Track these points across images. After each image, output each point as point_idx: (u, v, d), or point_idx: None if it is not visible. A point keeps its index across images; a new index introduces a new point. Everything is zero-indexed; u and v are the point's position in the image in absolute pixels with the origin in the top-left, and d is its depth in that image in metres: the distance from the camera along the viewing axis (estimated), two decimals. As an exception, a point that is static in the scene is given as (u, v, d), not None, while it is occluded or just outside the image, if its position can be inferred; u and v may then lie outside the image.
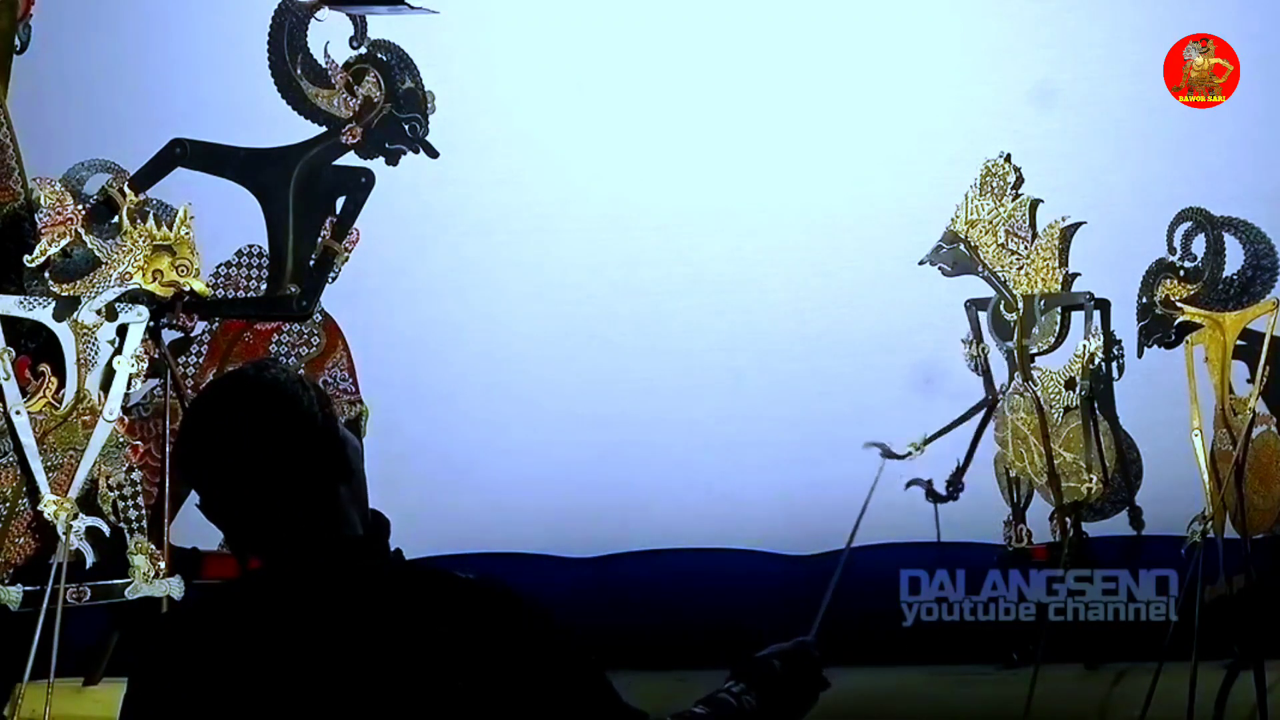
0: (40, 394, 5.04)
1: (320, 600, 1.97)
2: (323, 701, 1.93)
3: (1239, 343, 5.41)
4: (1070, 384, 5.58)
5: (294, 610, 1.97)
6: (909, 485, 5.56)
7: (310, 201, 5.55)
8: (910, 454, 5.56)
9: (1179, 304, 5.49)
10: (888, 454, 5.56)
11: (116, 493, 5.05)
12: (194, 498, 2.04)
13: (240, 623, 1.98)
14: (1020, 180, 5.70)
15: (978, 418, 5.69)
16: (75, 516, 4.97)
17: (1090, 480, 5.53)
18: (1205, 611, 5.14)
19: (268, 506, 2.00)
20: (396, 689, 1.94)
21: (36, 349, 5.10)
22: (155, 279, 5.12)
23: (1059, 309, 5.64)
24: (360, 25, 5.60)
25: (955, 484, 5.64)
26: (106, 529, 5.03)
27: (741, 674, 2.18)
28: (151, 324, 5.11)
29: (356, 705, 1.93)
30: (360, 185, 5.56)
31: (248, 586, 2.06)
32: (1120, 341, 5.62)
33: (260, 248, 5.59)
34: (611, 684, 2.01)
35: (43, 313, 5.04)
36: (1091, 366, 5.53)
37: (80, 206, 5.16)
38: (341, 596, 1.97)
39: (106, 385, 5.06)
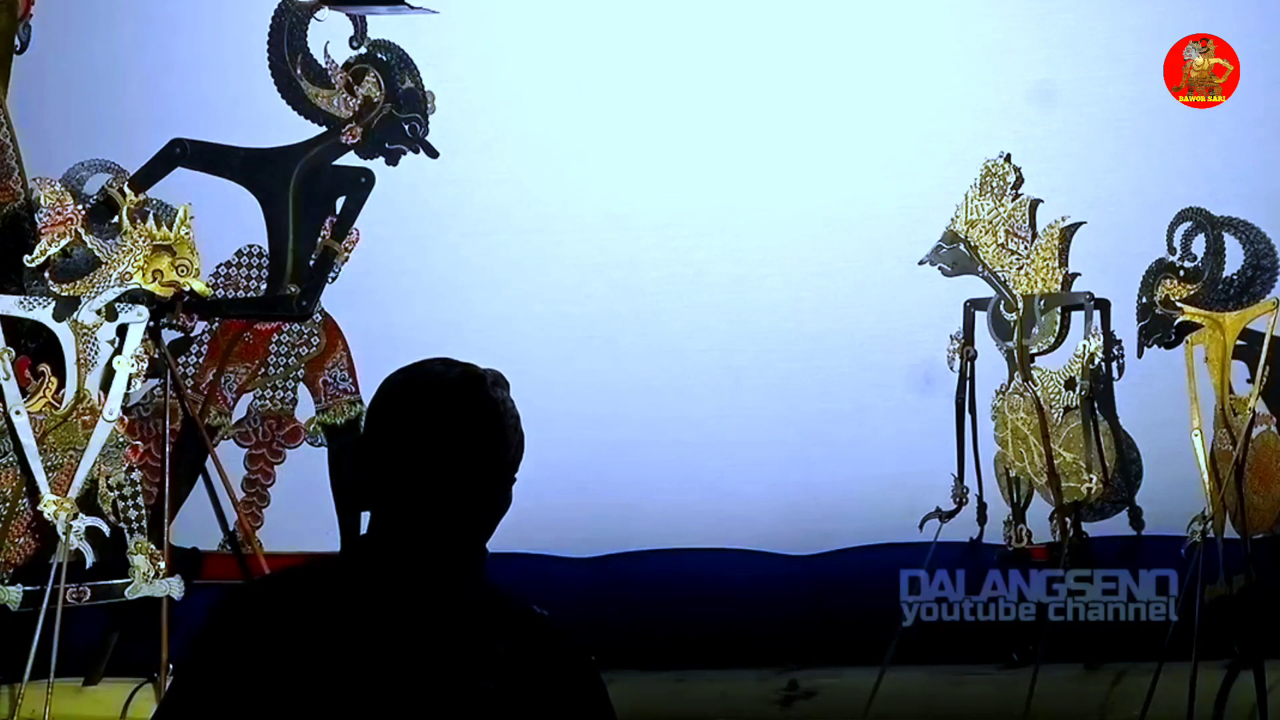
0: (40, 394, 5.05)
1: (406, 604, 2.01)
2: (371, 690, 1.96)
3: (1239, 343, 5.41)
4: (1070, 384, 5.58)
5: (377, 610, 2.01)
6: (923, 523, 5.58)
7: (310, 201, 5.56)
8: (960, 506, 5.60)
9: (1179, 304, 5.50)
10: (943, 516, 5.59)
11: (116, 493, 5.06)
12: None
13: (320, 609, 2.02)
14: (1020, 180, 5.70)
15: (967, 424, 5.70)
16: (75, 516, 4.98)
17: (1090, 480, 5.53)
18: (1205, 611, 5.14)
19: (414, 495, 2.02)
20: (440, 691, 1.96)
21: (36, 349, 5.11)
22: (155, 279, 5.12)
23: (1059, 309, 5.64)
24: (360, 25, 5.61)
25: (959, 495, 5.64)
26: (106, 529, 5.04)
27: None
28: (151, 324, 5.11)
29: (399, 698, 1.95)
30: (360, 185, 5.57)
31: (334, 573, 2.07)
32: (1120, 341, 5.62)
33: (260, 248, 5.60)
34: None
35: (43, 313, 5.05)
36: (1091, 366, 5.53)
37: (80, 206, 5.17)
38: (426, 605, 2.01)
39: (106, 385, 5.07)
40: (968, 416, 5.68)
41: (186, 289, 5.15)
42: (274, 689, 1.96)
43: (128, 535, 5.05)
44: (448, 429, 2.03)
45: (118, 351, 5.07)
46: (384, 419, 2.06)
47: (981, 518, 5.64)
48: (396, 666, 1.97)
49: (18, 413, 4.99)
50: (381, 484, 2.04)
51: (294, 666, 1.97)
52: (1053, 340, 5.66)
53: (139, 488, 5.08)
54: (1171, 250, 5.55)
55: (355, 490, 2.10)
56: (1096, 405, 5.56)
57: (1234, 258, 5.53)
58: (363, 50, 5.61)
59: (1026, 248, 5.67)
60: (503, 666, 1.99)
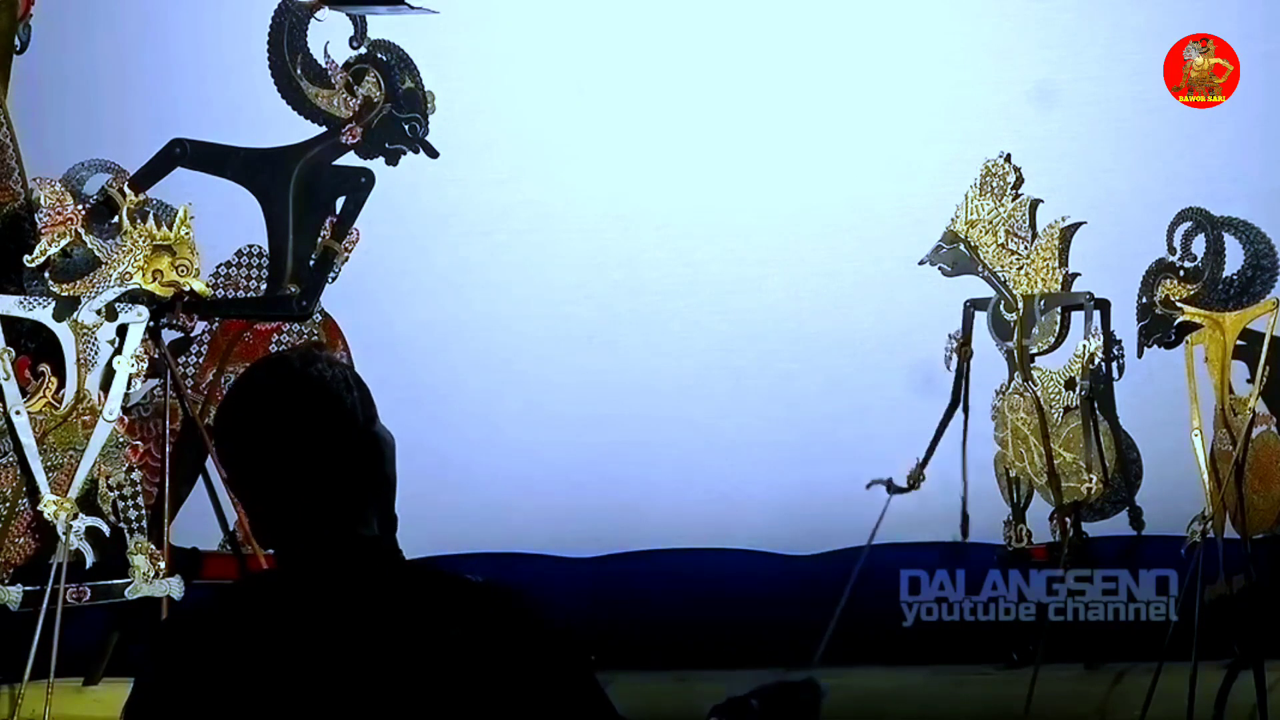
0: (40, 394, 5.04)
1: (332, 600, 1.98)
2: (332, 701, 1.94)
3: (1239, 343, 5.41)
4: (1070, 384, 5.58)
5: (305, 610, 1.98)
6: (870, 485, 5.57)
7: (310, 201, 5.55)
8: (912, 488, 5.60)
9: (1179, 304, 5.49)
10: (892, 489, 5.59)
11: (116, 493, 5.05)
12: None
13: (251, 622, 1.99)
14: (1020, 180, 5.69)
15: (954, 421, 5.70)
16: (75, 516, 4.97)
17: (1090, 480, 5.53)
18: (1205, 611, 5.15)
19: (290, 498, 2.00)
20: (404, 689, 1.94)
21: (36, 349, 5.10)
22: (155, 279, 5.12)
23: (1059, 309, 5.64)
24: (360, 25, 5.60)
25: (915, 477, 5.64)
26: (106, 529, 5.03)
27: (719, 711, 2.17)
28: (151, 324, 5.11)
29: (365, 705, 1.94)
30: (360, 185, 5.56)
31: (258, 585, 2.06)
32: (1120, 341, 5.61)
33: (260, 248, 5.59)
34: (604, 692, 2.03)
35: (43, 313, 5.04)
36: (1091, 366, 5.53)
37: (80, 206, 5.16)
38: (353, 596, 1.98)
39: (106, 385, 5.06)
40: (959, 414, 5.67)
41: (186, 289, 5.15)
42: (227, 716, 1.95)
43: (128, 535, 5.05)
44: (268, 418, 2.00)
45: (118, 351, 5.06)
46: (224, 446, 2.05)
47: (964, 528, 5.64)
48: (345, 665, 1.94)
49: (18, 413, 4.98)
50: (260, 505, 2.03)
51: (242, 692, 1.95)
52: (1053, 340, 5.66)
53: (139, 488, 5.07)
54: (1171, 250, 5.55)
55: (252, 528, 2.07)
56: (1096, 405, 5.56)
57: (1234, 258, 5.53)
58: (363, 50, 5.59)
59: (1026, 248, 5.67)
60: (464, 651, 1.96)
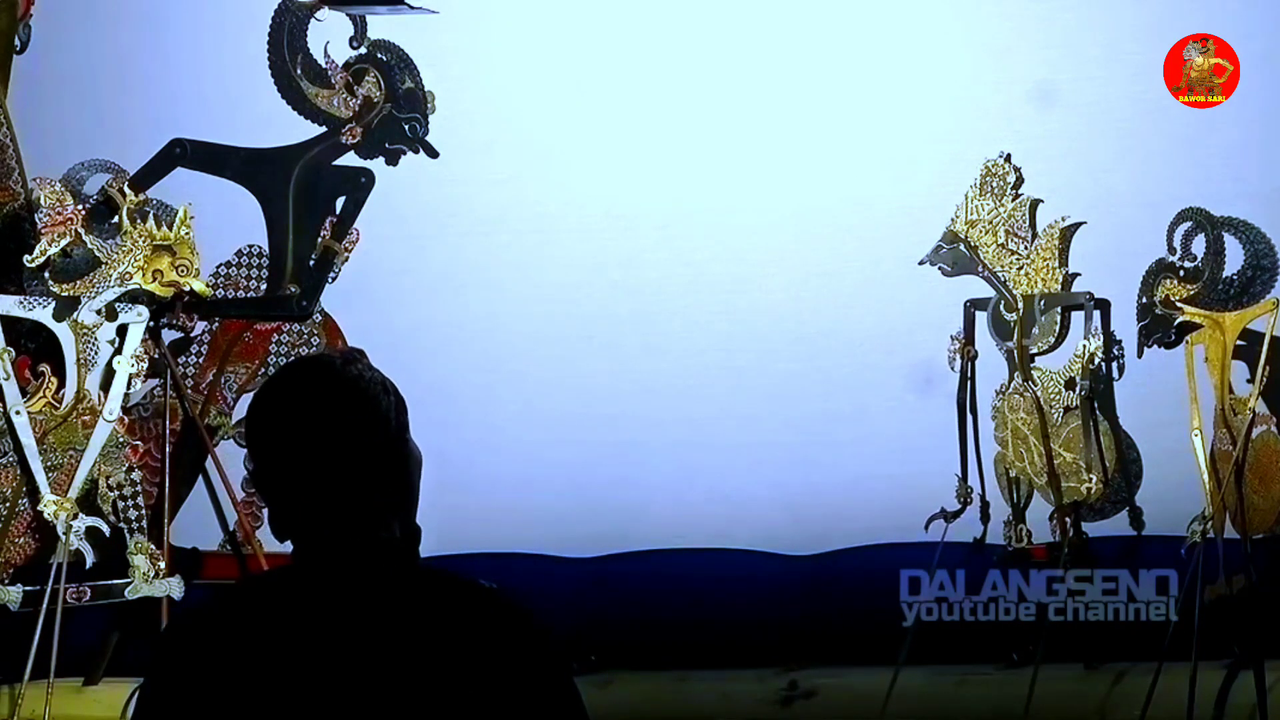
0: (40, 394, 5.05)
1: (343, 600, 1.99)
2: (341, 701, 1.94)
3: (1239, 343, 5.41)
4: (1070, 384, 5.58)
5: (316, 609, 1.99)
6: (928, 525, 5.58)
7: (310, 201, 5.55)
8: (964, 506, 5.61)
9: (1179, 304, 5.49)
10: (948, 517, 5.60)
11: (116, 493, 5.06)
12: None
13: (260, 621, 1.99)
14: (1020, 180, 5.70)
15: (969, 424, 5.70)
16: (75, 516, 4.98)
17: (1090, 480, 5.53)
18: (1205, 611, 5.15)
19: (316, 494, 2.01)
20: (412, 690, 1.95)
21: (36, 349, 5.11)
22: (155, 279, 5.12)
23: (1059, 309, 5.64)
24: (360, 25, 5.60)
25: (962, 495, 5.65)
26: (106, 529, 5.04)
27: None
28: (151, 324, 5.11)
29: (373, 705, 1.94)
30: (360, 185, 5.56)
31: (266, 585, 2.06)
32: (1120, 341, 5.61)
33: (260, 248, 5.60)
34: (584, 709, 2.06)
35: (43, 313, 5.05)
36: (1091, 366, 5.53)
37: (80, 206, 5.17)
38: (365, 596, 1.99)
39: (106, 385, 5.07)
40: (969, 417, 5.68)
41: (186, 289, 5.15)
42: (236, 715, 1.95)
43: (128, 535, 5.05)
44: (303, 416, 2.01)
45: (118, 351, 5.07)
46: (255, 437, 2.06)
47: (985, 517, 5.65)
48: (357, 665, 1.95)
49: (18, 413, 4.98)
50: (284, 499, 2.04)
51: (252, 689, 1.95)
52: (1053, 340, 5.66)
53: (139, 488, 5.08)
54: (1171, 250, 5.55)
55: (271, 519, 2.08)
56: (1096, 405, 5.56)
57: (1234, 258, 5.53)
58: (363, 50, 5.60)
59: (1026, 248, 5.67)
60: (471, 656, 1.97)
